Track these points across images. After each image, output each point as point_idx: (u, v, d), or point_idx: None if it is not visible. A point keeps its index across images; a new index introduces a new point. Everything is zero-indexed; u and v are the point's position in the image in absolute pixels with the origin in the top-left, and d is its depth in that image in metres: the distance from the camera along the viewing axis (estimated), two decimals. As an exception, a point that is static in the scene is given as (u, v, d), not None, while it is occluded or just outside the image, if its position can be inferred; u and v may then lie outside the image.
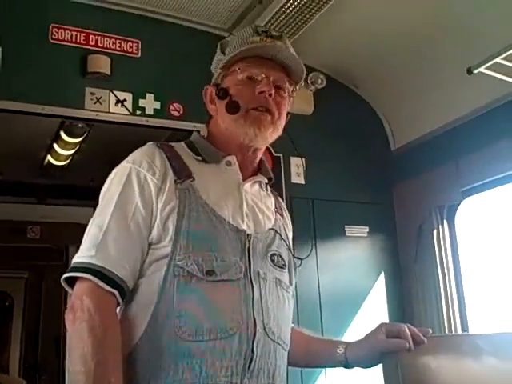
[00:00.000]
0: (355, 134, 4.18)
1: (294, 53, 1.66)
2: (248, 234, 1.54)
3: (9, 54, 3.26)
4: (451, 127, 3.70)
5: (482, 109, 3.46)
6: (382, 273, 4.05)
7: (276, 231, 1.65)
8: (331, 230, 3.99)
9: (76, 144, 5.11)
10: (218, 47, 1.69)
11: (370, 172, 4.15)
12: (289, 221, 1.83)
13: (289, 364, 1.65)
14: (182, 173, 1.53)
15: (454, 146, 3.65)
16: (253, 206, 1.63)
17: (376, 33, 3.60)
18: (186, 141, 1.69)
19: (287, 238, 1.71)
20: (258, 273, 1.51)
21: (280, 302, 1.56)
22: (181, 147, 1.64)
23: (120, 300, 1.41)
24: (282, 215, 1.76)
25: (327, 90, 4.02)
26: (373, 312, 3.86)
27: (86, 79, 3.41)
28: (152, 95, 3.56)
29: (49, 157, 5.56)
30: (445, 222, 3.81)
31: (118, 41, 3.54)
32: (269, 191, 1.77)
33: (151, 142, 1.61)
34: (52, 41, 3.39)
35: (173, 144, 1.65)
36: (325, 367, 2.36)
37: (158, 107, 3.58)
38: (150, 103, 3.55)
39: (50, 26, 3.38)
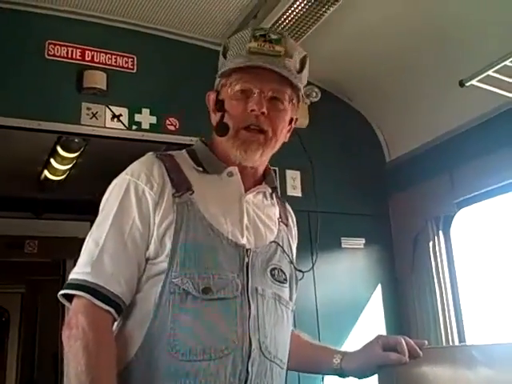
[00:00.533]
0: (350, 146, 4.20)
1: (297, 54, 1.60)
2: (247, 249, 1.50)
3: (4, 70, 3.28)
4: (445, 139, 3.72)
5: (475, 120, 3.48)
6: (379, 284, 4.06)
7: (278, 244, 1.61)
8: (328, 243, 3.99)
9: (73, 159, 5.11)
10: (221, 49, 1.63)
11: (365, 184, 4.17)
12: (294, 229, 1.81)
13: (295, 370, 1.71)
14: (180, 185, 1.49)
15: (447, 158, 3.67)
16: (254, 218, 1.60)
17: (368, 47, 3.62)
18: (188, 149, 1.66)
19: (290, 250, 1.70)
20: (256, 289, 1.48)
21: (278, 319, 1.53)
22: (182, 157, 1.60)
23: (116, 316, 1.40)
24: (286, 224, 1.73)
25: (322, 103, 4.04)
26: (370, 323, 3.87)
27: (82, 94, 3.41)
28: (148, 110, 3.58)
29: (46, 172, 5.56)
30: (440, 232, 3.82)
31: (113, 56, 3.55)
32: (274, 200, 1.73)
33: (151, 153, 1.57)
34: (48, 57, 3.40)
35: (174, 153, 1.61)
36: (319, 374, 2.35)
37: (154, 122, 3.59)
38: (146, 118, 3.56)
39: (46, 43, 3.39)
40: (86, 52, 3.50)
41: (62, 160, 5.16)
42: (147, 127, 3.56)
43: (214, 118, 1.62)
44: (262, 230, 1.60)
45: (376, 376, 1.57)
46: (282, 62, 1.53)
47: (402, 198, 4.07)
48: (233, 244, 1.48)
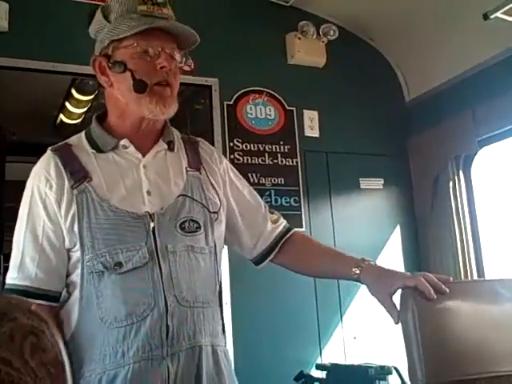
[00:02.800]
0: (369, 85, 4.12)
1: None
2: (151, 215, 1.61)
3: (16, 11, 3.23)
4: (467, 76, 3.64)
5: (498, 56, 3.39)
6: (398, 225, 4.05)
7: (186, 195, 1.69)
8: (346, 184, 3.97)
9: (88, 101, 5.07)
10: (99, 13, 1.67)
11: (384, 124, 4.11)
12: (217, 164, 1.84)
13: (298, 272, 1.89)
14: (77, 176, 1.62)
15: (470, 95, 3.59)
16: (156, 179, 1.68)
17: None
18: (86, 130, 1.74)
19: (207, 190, 1.74)
20: (167, 248, 1.60)
21: (194, 268, 1.64)
22: (79, 143, 1.71)
23: (52, 304, 1.60)
24: (198, 168, 1.77)
25: (340, 41, 3.97)
26: (389, 264, 3.84)
27: (96, 35, 3.36)
28: (163, 50, 3.52)
29: (61, 115, 5.54)
30: (461, 172, 3.78)
31: (127, -5, 3.47)
32: (180, 150, 1.79)
33: (49, 148, 1.69)
34: (60, -4, 3.35)
35: (71, 142, 1.72)
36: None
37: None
38: (160, 58, 3.50)
39: (58, -18, 3.32)
40: (99, -9, 3.42)
41: (78, 103, 5.13)
42: (162, 67, 3.50)
43: (105, 80, 1.68)
44: (167, 188, 1.69)
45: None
46: (175, 23, 1.64)
47: (422, 138, 4.01)
48: (135, 215, 1.60)
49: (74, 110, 5.34)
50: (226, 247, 3.36)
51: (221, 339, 1.71)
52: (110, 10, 1.65)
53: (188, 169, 1.75)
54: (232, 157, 3.66)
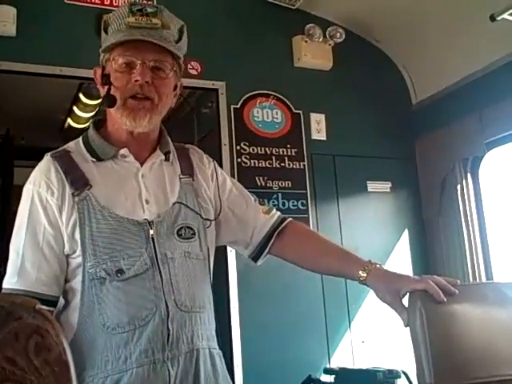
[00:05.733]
0: (376, 88, 4.11)
1: (174, 24, 1.68)
2: (150, 222, 1.64)
3: (24, 16, 3.25)
4: (474, 78, 3.63)
5: (505, 58, 3.37)
6: (406, 228, 4.03)
7: (181, 203, 1.72)
8: (353, 187, 3.97)
9: (95, 106, 5.10)
10: (102, 24, 1.70)
11: (391, 126, 4.10)
12: (206, 166, 1.87)
13: (300, 266, 1.86)
14: (78, 183, 1.63)
15: (477, 97, 3.58)
16: (154, 188, 1.71)
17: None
18: (83, 137, 1.75)
19: (200, 197, 1.78)
20: (166, 255, 1.64)
21: (190, 273, 1.68)
22: (78, 150, 1.71)
23: (50, 308, 1.54)
24: (191, 174, 1.80)
25: (346, 44, 3.96)
26: (397, 268, 3.83)
27: (103, 39, 3.37)
28: (169, 54, 3.52)
29: (69, 120, 5.57)
30: (468, 175, 3.76)
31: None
32: (173, 159, 1.80)
33: (48, 154, 1.70)
34: (67, 1, 3.37)
35: (70, 148, 1.72)
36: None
37: (176, 66, 3.55)
38: (167, 62, 3.50)
39: (65, -14, 3.34)
40: (105, -4, 3.44)
41: (85, 107, 5.16)
42: (169, 72, 3.51)
43: (102, 91, 1.70)
44: (164, 197, 1.72)
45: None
46: (160, 33, 1.63)
47: (429, 141, 4.00)
48: (135, 223, 1.63)
49: (82, 115, 5.36)
50: (233, 252, 3.40)
51: (215, 342, 1.74)
52: (108, 23, 1.68)
53: (181, 176, 1.78)
54: (239, 160, 3.66)
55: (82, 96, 4.88)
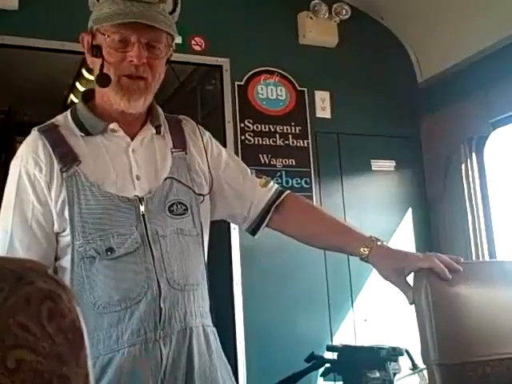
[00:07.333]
0: (381, 66, 4.08)
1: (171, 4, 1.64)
2: (141, 198, 1.61)
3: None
4: (480, 56, 3.58)
5: (513, 36, 3.34)
6: (410, 207, 4.02)
7: (172, 178, 1.68)
8: (357, 165, 3.95)
9: (98, 82, 5.06)
10: None
11: (396, 105, 4.07)
12: (200, 138, 1.82)
13: (300, 240, 1.83)
14: (66, 159, 1.59)
15: (483, 76, 3.54)
16: (145, 163, 1.67)
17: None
18: (72, 109, 1.73)
19: (193, 171, 1.74)
20: (157, 232, 1.60)
21: (183, 250, 1.65)
22: (66, 124, 1.68)
23: None
24: (184, 148, 1.76)
25: (352, 21, 3.92)
26: (400, 247, 3.83)
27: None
28: (173, 29, 3.49)
29: (72, 96, 5.54)
30: (473, 154, 3.75)
31: (137, -26, 3.44)
32: (165, 132, 1.76)
33: (36, 129, 1.65)
34: (70, -25, 3.33)
35: (58, 122, 1.68)
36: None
37: (180, 42, 3.51)
38: (171, 38, 3.46)
39: (68, -41, 3.29)
40: (109, -31, 3.39)
41: (88, 83, 5.11)
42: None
43: (90, 59, 1.66)
44: (155, 172, 1.68)
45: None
46: (156, 8, 1.59)
47: (434, 119, 3.98)
48: (125, 200, 1.60)
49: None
50: (236, 229, 3.40)
51: (209, 319, 1.71)
52: None
53: (173, 150, 1.74)
54: (243, 137, 3.64)
55: (84, 72, 4.84)
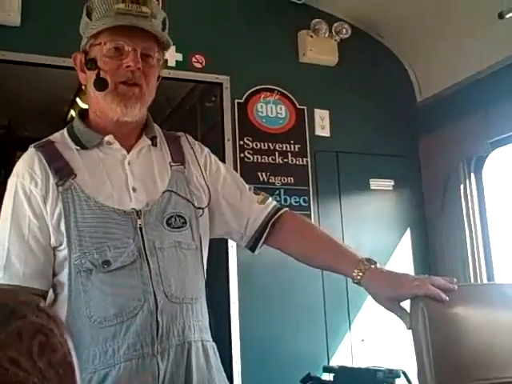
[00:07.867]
0: (380, 85, 4.10)
1: (160, 14, 1.67)
2: (138, 211, 1.60)
3: (28, 6, 3.23)
4: (480, 76, 3.60)
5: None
6: (408, 227, 4.01)
7: (171, 191, 1.68)
8: (356, 184, 3.95)
9: (99, 98, 5.07)
10: (84, 10, 1.67)
11: (395, 124, 4.08)
12: (199, 153, 1.82)
13: (296, 259, 1.80)
14: (62, 173, 1.60)
15: (482, 96, 3.55)
16: (142, 175, 1.67)
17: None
18: (69, 127, 1.73)
19: (192, 185, 1.73)
20: (154, 245, 1.59)
21: (181, 263, 1.64)
22: (62, 139, 1.69)
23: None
24: (182, 162, 1.76)
25: (352, 40, 3.95)
26: (398, 267, 3.84)
27: (107, 30, 3.35)
28: (174, 47, 3.50)
29: (72, 112, 5.55)
30: (472, 174, 3.75)
31: (138, -8, 3.46)
32: (163, 144, 1.77)
33: (32, 145, 1.66)
34: (72, -9, 3.35)
35: (54, 138, 1.69)
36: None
37: (180, 59, 3.53)
38: (171, 55, 3.47)
39: (68, -24, 3.31)
40: (110, -14, 3.41)
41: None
42: (173, 64, 3.50)
43: (83, 77, 1.70)
44: (153, 184, 1.68)
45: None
46: (149, 22, 1.62)
47: (433, 139, 3.98)
48: (121, 212, 1.59)
49: (85, 106, 5.33)
50: (234, 247, 3.39)
51: (209, 334, 1.69)
52: (92, 8, 1.65)
53: (172, 163, 1.74)
54: (242, 155, 3.65)
55: (85, 88, 4.85)
